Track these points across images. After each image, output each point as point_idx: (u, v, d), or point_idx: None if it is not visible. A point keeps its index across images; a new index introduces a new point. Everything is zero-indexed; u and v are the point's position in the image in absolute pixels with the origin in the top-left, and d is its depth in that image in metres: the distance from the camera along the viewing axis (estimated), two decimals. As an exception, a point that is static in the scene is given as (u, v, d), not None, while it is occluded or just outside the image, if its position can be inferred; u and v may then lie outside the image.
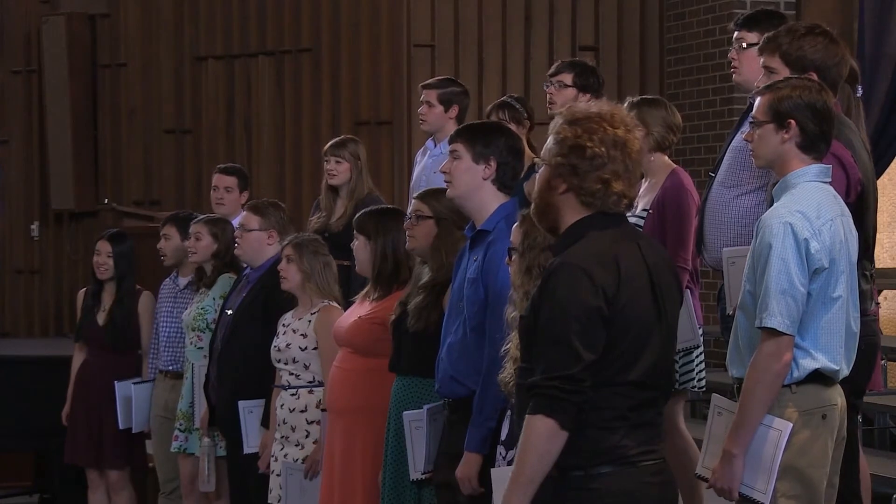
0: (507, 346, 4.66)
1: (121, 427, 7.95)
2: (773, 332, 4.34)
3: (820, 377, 4.44)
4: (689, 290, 6.19)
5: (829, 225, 4.42)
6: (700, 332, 6.24)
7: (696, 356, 6.25)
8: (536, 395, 3.80)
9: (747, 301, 4.47)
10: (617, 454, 3.84)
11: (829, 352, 4.44)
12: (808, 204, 4.42)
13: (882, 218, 10.74)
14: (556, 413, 3.77)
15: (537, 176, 4.02)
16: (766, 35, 5.25)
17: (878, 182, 10.13)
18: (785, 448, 4.35)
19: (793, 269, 4.34)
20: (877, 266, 9.55)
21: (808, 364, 4.41)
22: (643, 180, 6.36)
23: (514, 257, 4.68)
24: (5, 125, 12.50)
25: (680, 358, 6.19)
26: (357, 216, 6.18)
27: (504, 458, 4.76)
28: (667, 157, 6.35)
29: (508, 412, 4.77)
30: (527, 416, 3.82)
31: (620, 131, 3.92)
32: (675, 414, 6.26)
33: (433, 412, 5.42)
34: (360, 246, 6.07)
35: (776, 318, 4.33)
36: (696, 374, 6.26)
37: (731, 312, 5.49)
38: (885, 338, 9.33)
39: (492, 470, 4.73)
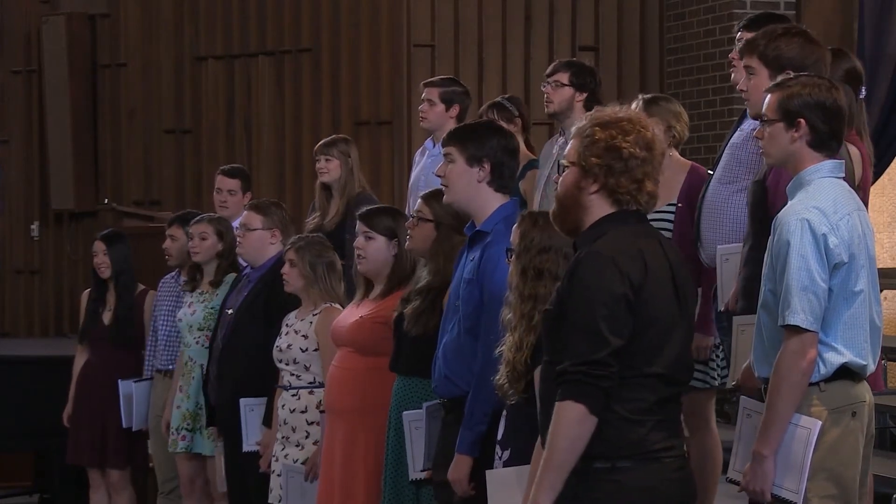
0: (501, 348, 4.66)
1: (124, 425, 7.97)
2: (796, 330, 4.31)
3: (848, 373, 4.41)
4: None
5: (847, 219, 4.40)
6: None
7: None
8: (564, 381, 3.86)
9: (769, 300, 4.44)
10: (643, 448, 3.89)
11: (855, 346, 4.40)
12: (824, 199, 4.39)
13: (882, 218, 10.75)
14: (584, 398, 3.84)
15: (561, 178, 4.09)
16: (746, 38, 5.29)
17: (878, 182, 10.18)
18: (815, 447, 4.32)
19: (812, 265, 4.32)
20: (877, 266, 9.49)
21: (834, 359, 4.37)
22: None
23: (511, 258, 4.68)
24: (5, 125, 12.49)
25: (721, 352, 6.18)
26: (367, 214, 6.11)
27: (500, 458, 4.75)
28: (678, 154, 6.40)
29: (505, 413, 4.76)
30: (556, 402, 3.87)
31: (649, 133, 4.03)
32: (709, 412, 6.24)
33: (432, 410, 5.41)
34: (377, 245, 6.00)
35: (799, 315, 4.30)
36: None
37: (722, 309, 5.51)
38: (885, 338, 9.32)
39: (487, 472, 4.72)
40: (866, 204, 5.40)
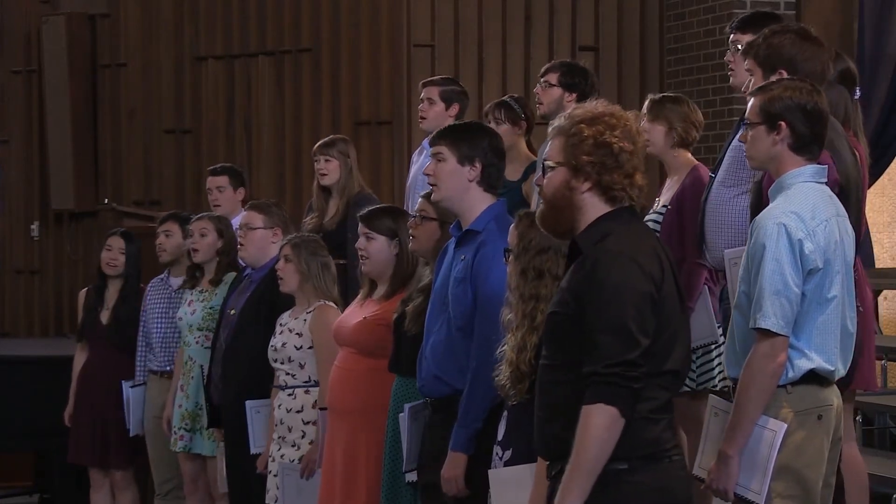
0: (503, 348, 4.65)
1: (128, 426, 7.96)
2: (767, 333, 4.35)
3: (815, 377, 4.44)
4: (707, 288, 6.20)
5: (824, 225, 4.42)
6: (719, 329, 6.24)
7: (717, 355, 6.26)
8: (596, 383, 3.80)
9: (742, 302, 4.48)
10: (657, 447, 3.88)
11: (825, 352, 4.44)
12: (803, 204, 4.42)
13: (882, 218, 10.75)
14: (617, 400, 3.79)
15: (547, 179, 4.03)
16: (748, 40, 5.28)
17: (878, 182, 10.19)
18: (781, 448, 4.36)
19: (787, 269, 4.35)
20: (877, 266, 9.52)
21: (803, 364, 4.41)
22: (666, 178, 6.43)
23: (509, 258, 4.67)
24: (5, 125, 12.48)
25: (698, 357, 6.19)
26: (368, 215, 6.10)
27: (501, 458, 4.74)
28: (689, 154, 6.40)
29: (505, 413, 4.76)
30: (584, 406, 3.80)
31: (632, 125, 4.00)
32: (701, 413, 6.25)
33: (415, 410, 5.41)
34: (378, 246, 6.00)
35: (770, 318, 4.33)
36: (717, 373, 6.26)
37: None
38: (885, 338, 9.34)
39: (490, 472, 4.72)
40: (864, 204, 5.41)
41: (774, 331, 4.33)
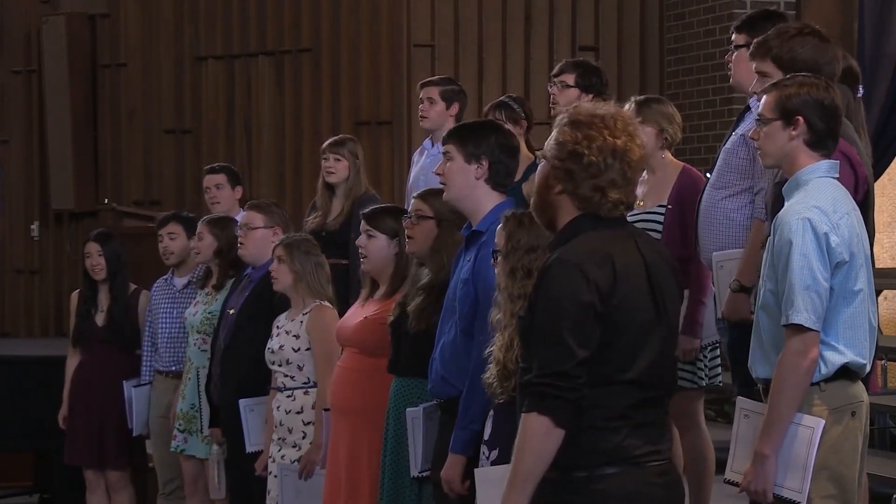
0: (491, 348, 4.65)
1: (130, 426, 7.96)
2: (798, 329, 4.30)
3: (846, 373, 4.40)
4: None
5: (846, 219, 4.40)
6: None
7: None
8: (530, 392, 3.77)
9: (769, 300, 4.43)
10: (621, 455, 3.79)
11: (855, 346, 4.40)
12: (824, 198, 4.39)
13: (882, 218, 10.75)
14: (549, 411, 3.74)
15: (538, 171, 4.01)
16: (755, 40, 5.25)
17: (878, 182, 10.20)
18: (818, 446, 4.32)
19: (815, 264, 4.31)
20: (877, 266, 9.55)
21: (835, 359, 4.37)
22: (647, 175, 6.41)
23: (498, 259, 4.67)
24: (5, 125, 12.50)
25: (708, 352, 6.20)
26: (371, 213, 6.08)
27: (487, 457, 4.74)
28: (671, 155, 6.40)
29: (492, 412, 4.75)
30: (522, 414, 3.78)
31: (621, 141, 3.88)
32: (696, 412, 6.27)
33: (429, 411, 5.41)
34: (378, 244, 5.98)
35: (802, 313, 4.29)
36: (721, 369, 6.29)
37: (720, 316, 5.51)
38: (885, 338, 9.34)
39: (475, 470, 4.71)
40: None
41: (807, 325, 4.28)
